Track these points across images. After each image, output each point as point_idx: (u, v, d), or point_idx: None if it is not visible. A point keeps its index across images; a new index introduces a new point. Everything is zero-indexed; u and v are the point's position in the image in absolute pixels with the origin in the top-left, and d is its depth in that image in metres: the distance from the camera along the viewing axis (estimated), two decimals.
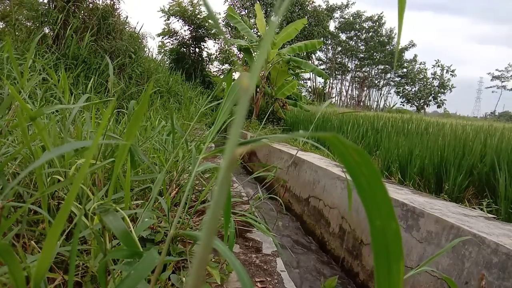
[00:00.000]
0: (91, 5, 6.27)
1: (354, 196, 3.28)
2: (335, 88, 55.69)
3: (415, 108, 50.62)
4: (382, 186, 0.25)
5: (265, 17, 14.89)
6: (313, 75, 35.10)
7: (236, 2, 25.34)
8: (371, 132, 7.66)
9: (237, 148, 0.22)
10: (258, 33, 16.66)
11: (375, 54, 50.35)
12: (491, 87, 62.61)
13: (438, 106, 51.56)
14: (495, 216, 2.55)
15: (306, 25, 23.27)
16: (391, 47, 49.85)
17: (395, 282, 0.25)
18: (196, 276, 0.21)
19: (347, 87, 56.56)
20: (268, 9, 23.79)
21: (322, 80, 41.32)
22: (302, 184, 4.71)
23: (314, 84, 44.06)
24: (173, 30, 17.94)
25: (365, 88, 55.68)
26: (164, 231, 1.56)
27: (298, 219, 4.61)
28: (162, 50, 17.92)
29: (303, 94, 20.23)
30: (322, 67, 50.93)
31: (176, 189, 2.21)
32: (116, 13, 6.71)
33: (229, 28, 23.36)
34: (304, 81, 40.48)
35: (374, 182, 0.25)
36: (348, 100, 56.26)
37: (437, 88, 51.03)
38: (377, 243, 0.25)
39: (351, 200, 0.92)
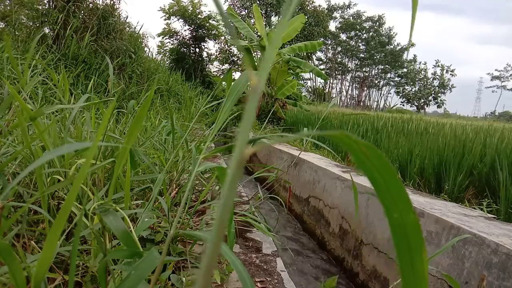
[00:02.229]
0: (91, 5, 6.27)
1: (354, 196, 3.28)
2: (335, 88, 55.71)
3: (415, 108, 50.62)
4: (396, 179, 0.25)
5: (264, 17, 14.91)
6: (313, 75, 35.13)
7: (236, 2, 25.34)
8: (371, 132, 7.66)
9: (247, 147, 0.22)
10: (258, 33, 16.66)
11: (375, 54, 50.37)
12: (491, 87, 62.63)
13: (438, 106, 51.57)
14: (495, 216, 2.55)
15: (306, 25, 23.27)
16: (391, 47, 49.86)
17: (420, 273, 0.25)
18: (205, 280, 0.21)
19: (347, 87, 56.57)
20: (268, 9, 23.79)
21: (322, 80, 41.42)
22: (302, 184, 4.71)
23: (314, 84, 44.09)
24: (173, 30, 17.95)
25: (365, 88, 55.68)
26: (164, 231, 1.56)
27: (298, 219, 4.61)
28: (162, 50, 17.93)
29: (303, 94, 20.24)
30: (322, 67, 50.94)
31: (176, 189, 2.21)
32: (116, 13, 6.71)
33: (233, 29, 23.29)
34: (304, 81, 40.51)
35: (388, 175, 0.25)
36: (348, 100, 56.26)
37: (437, 88, 51.04)
38: (397, 236, 0.25)
39: (357, 203, 0.92)
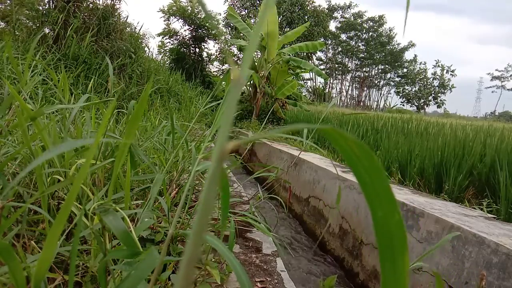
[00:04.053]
0: (91, 5, 6.27)
1: (354, 196, 3.28)
2: (335, 88, 55.71)
3: (415, 108, 50.61)
4: (383, 178, 0.25)
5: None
6: (314, 75, 35.15)
7: (236, 2, 25.34)
8: (371, 132, 7.66)
9: (228, 142, 0.21)
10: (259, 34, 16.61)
11: (375, 54, 50.37)
12: (491, 87, 62.58)
13: (438, 106, 51.56)
14: (495, 216, 2.55)
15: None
16: (391, 47, 49.85)
17: (401, 274, 0.25)
18: (185, 275, 0.20)
19: (347, 87, 56.55)
20: None
21: (323, 80, 41.47)
22: (302, 184, 4.71)
23: (314, 84, 44.09)
24: (173, 30, 17.96)
25: (365, 88, 55.67)
26: (164, 231, 1.56)
27: (298, 219, 4.61)
28: (162, 50, 17.94)
29: (303, 94, 20.24)
30: (322, 67, 50.91)
31: (176, 189, 2.21)
32: (116, 13, 6.72)
33: (229, 28, 23.35)
34: (304, 81, 40.49)
35: (375, 174, 0.25)
36: (348, 100, 56.25)
37: (437, 88, 51.02)
38: (380, 235, 0.25)
39: (340, 194, 0.92)
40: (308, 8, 25.55)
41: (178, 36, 18.03)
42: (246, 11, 25.38)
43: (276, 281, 1.89)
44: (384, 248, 0.25)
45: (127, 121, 2.44)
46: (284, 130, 0.29)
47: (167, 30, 17.94)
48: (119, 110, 3.95)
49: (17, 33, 5.30)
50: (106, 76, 5.36)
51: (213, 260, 1.64)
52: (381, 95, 57.87)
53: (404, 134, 6.84)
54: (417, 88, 51.62)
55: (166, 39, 18.25)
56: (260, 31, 0.25)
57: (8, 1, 5.90)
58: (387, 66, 51.82)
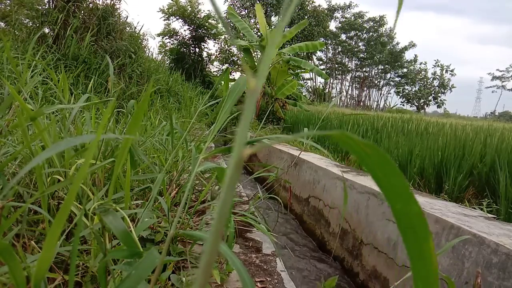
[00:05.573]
0: (91, 5, 6.27)
1: (354, 196, 3.28)
2: (335, 88, 55.68)
3: (415, 108, 50.60)
4: (397, 172, 0.26)
5: (264, 17, 14.90)
6: (314, 75, 35.15)
7: (236, 2, 25.34)
8: (371, 132, 7.65)
9: (245, 148, 0.22)
10: (259, 33, 16.65)
11: (375, 54, 50.33)
12: (491, 87, 62.58)
13: (438, 106, 51.54)
14: (495, 216, 2.55)
15: (306, 25, 23.35)
16: (391, 47, 49.86)
17: (428, 258, 0.26)
18: (203, 277, 0.21)
19: (347, 87, 56.54)
20: (268, 9, 23.76)
21: (323, 80, 41.47)
22: (302, 184, 4.71)
23: (314, 84, 44.08)
24: (173, 30, 17.96)
25: (365, 88, 55.66)
26: (164, 231, 1.56)
27: (298, 219, 4.61)
28: (163, 50, 17.95)
29: (303, 94, 20.24)
30: (322, 67, 50.88)
31: (176, 189, 2.21)
32: (116, 13, 6.71)
33: (229, 28, 23.32)
34: (304, 81, 40.49)
35: (388, 169, 0.27)
36: (348, 100, 56.24)
37: (437, 88, 51.01)
38: (402, 226, 0.27)
39: (346, 194, 0.92)
40: (308, 8, 25.55)
41: (178, 36, 18.03)
42: (246, 11, 25.38)
43: (276, 281, 1.89)
44: (407, 237, 0.27)
45: (126, 120, 2.44)
46: (293, 137, 0.31)
47: (167, 30, 17.94)
48: (119, 110, 3.95)
49: (17, 33, 5.30)
50: (106, 76, 5.36)
51: None
52: (381, 95, 57.87)
53: (404, 134, 6.84)
54: (417, 88, 51.59)
55: (166, 39, 18.26)
56: (274, 48, 0.26)
57: (8, 1, 5.89)
58: (387, 66, 51.79)
